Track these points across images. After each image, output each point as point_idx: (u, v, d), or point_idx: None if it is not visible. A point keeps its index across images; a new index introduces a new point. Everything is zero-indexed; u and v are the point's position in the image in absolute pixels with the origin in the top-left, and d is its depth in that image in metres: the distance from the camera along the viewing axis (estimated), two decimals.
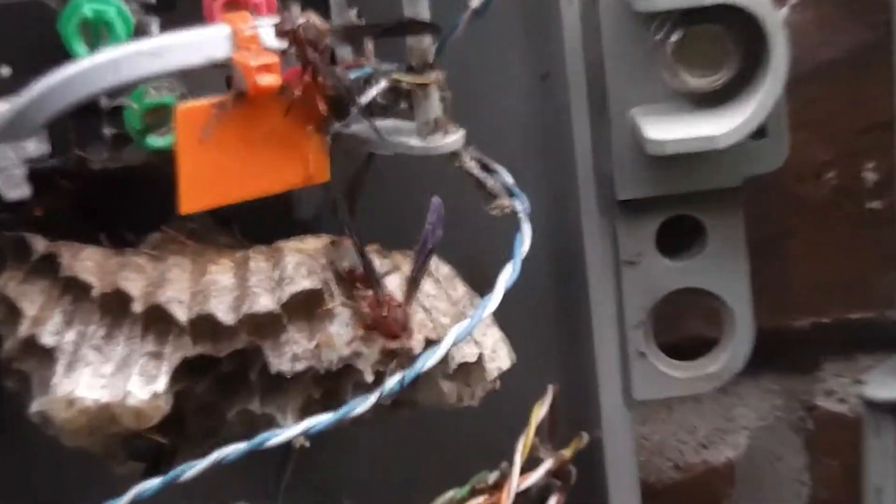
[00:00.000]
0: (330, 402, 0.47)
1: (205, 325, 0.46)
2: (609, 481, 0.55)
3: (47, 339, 0.46)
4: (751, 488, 0.67)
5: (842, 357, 0.65)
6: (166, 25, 0.46)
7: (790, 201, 0.63)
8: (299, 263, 0.47)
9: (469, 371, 0.49)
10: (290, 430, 0.44)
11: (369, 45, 0.46)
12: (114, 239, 0.50)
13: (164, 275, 0.47)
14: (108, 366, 0.45)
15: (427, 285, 0.48)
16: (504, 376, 0.49)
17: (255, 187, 0.46)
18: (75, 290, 0.47)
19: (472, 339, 0.48)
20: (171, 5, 0.47)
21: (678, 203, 0.53)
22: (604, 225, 0.54)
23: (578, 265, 0.55)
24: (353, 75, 0.46)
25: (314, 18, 0.45)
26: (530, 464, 0.49)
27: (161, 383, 0.45)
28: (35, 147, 0.45)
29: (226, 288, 0.47)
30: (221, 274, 0.47)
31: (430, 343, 0.46)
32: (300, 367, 0.46)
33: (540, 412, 0.50)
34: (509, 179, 0.50)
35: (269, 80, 0.44)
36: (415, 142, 0.47)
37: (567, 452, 0.51)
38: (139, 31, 0.46)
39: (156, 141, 0.47)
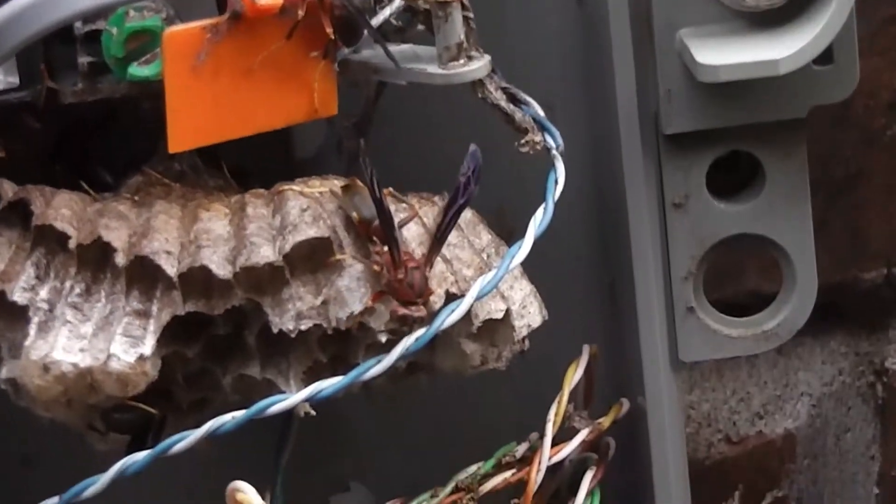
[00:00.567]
0: (338, 366, 0.46)
1: (197, 280, 0.45)
2: (653, 455, 0.54)
3: (18, 296, 0.45)
4: (813, 464, 0.66)
5: None
6: None
7: (861, 137, 0.62)
8: (304, 209, 0.46)
9: (495, 329, 0.48)
10: (294, 396, 0.43)
11: None
12: (90, 182, 0.49)
13: (149, 223, 0.46)
14: (88, 326, 0.45)
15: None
16: (534, 335, 0.48)
17: (254, 122, 0.46)
18: (49, 240, 0.46)
19: (498, 292, 0.47)
20: None
21: (732, 138, 0.52)
22: (648, 163, 0.53)
23: (619, 209, 0.54)
24: None
25: None
26: (563, 435, 0.49)
27: (147, 346, 0.45)
28: (1, 78, 0.45)
29: (220, 237, 0.46)
30: (215, 221, 0.47)
31: (450, 297, 0.46)
32: (305, 325, 0.45)
33: (574, 376, 0.49)
34: (540, 112, 0.49)
35: None
36: (433, 69, 0.46)
37: (605, 422, 0.50)
38: None
39: (139, 70, 0.46)
